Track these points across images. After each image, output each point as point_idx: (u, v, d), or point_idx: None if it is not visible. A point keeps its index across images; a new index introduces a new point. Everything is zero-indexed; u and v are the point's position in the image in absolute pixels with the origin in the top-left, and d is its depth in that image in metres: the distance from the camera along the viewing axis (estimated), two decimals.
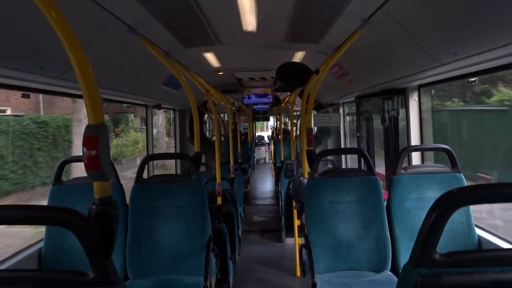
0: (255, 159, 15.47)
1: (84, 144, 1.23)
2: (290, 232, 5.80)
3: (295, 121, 8.21)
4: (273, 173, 10.15)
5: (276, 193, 8.98)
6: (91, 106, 1.27)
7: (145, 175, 3.40)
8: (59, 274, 1.16)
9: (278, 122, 11.58)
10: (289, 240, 6.23)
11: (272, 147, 12.82)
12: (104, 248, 1.15)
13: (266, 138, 20.35)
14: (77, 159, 3.34)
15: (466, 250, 1.17)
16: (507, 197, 1.09)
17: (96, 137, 1.23)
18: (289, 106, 7.35)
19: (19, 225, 1.12)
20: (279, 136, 10.06)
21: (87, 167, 1.24)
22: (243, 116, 14.26)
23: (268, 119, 19.30)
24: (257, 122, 22.14)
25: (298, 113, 10.15)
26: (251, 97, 6.99)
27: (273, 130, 16.43)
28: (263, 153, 17.81)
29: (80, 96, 3.52)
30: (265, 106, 12.74)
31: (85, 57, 1.27)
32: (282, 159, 8.48)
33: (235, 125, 11.15)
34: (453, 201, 1.10)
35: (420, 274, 1.11)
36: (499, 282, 1.09)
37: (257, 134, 21.61)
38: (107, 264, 1.15)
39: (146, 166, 3.64)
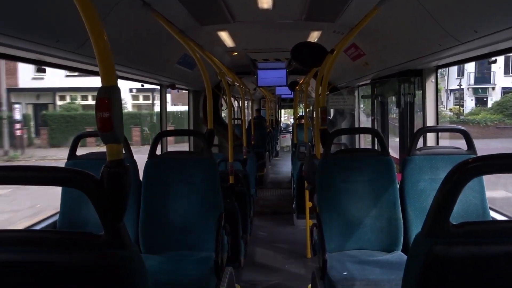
0: (277, 145, 15.44)
1: (96, 106, 1.23)
2: (301, 214, 5.82)
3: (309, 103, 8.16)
4: None
5: (291, 176, 8.99)
6: (103, 68, 1.27)
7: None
8: (72, 235, 1.18)
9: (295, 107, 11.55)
10: (300, 222, 6.25)
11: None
12: (116, 210, 1.16)
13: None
14: (92, 133, 3.37)
15: (479, 221, 1.16)
16: None
17: (108, 99, 1.23)
18: (303, 88, 7.30)
19: (33, 185, 1.14)
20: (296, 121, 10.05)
21: (99, 129, 1.24)
22: (269, 103, 14.36)
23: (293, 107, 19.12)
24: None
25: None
26: (265, 79, 6.93)
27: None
28: (289, 140, 17.74)
29: (95, 73, 3.54)
30: (289, 93, 12.68)
31: (97, 17, 1.26)
32: (296, 142, 8.46)
33: (259, 111, 11.16)
34: (468, 170, 1.08)
35: (432, 243, 1.09)
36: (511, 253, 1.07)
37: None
38: (120, 227, 1.16)
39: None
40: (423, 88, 4.03)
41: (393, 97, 4.77)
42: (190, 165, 3.27)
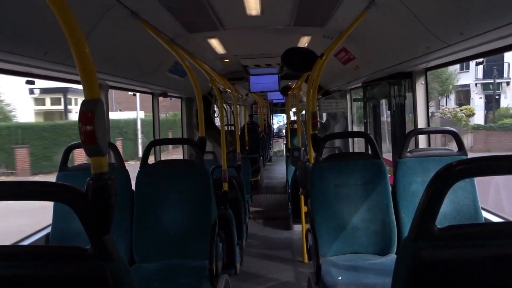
0: (270, 150, 15.45)
1: (79, 120, 1.23)
2: (297, 219, 5.81)
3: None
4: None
5: (286, 181, 9.00)
6: (86, 82, 1.27)
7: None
8: (58, 249, 1.18)
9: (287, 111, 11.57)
10: (296, 227, 6.25)
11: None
12: (103, 223, 1.16)
13: (284, 131, 20.16)
14: None
15: (466, 224, 1.16)
16: (507, 170, 1.08)
17: (91, 112, 1.23)
18: (295, 93, 7.32)
19: (19, 200, 1.14)
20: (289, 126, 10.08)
21: (83, 142, 1.24)
22: (261, 109, 14.35)
23: (285, 112, 18.88)
24: None
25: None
26: (257, 84, 6.96)
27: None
28: (281, 145, 17.74)
29: None
30: (280, 98, 12.68)
31: (79, 30, 1.26)
32: (289, 146, 8.48)
33: (251, 117, 11.15)
34: (453, 173, 1.09)
35: (419, 247, 1.10)
36: (500, 256, 1.08)
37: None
38: (106, 239, 1.15)
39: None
40: (413, 90, 4.05)
41: (385, 99, 4.79)
42: (183, 173, 3.26)
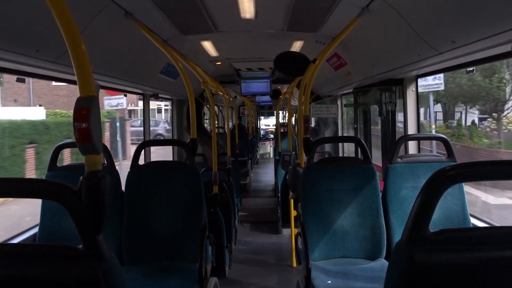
0: (257, 153, 15.40)
1: (74, 117, 1.22)
2: (286, 223, 5.82)
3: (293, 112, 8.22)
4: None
5: (275, 185, 9.00)
6: (81, 78, 1.25)
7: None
8: (50, 248, 1.16)
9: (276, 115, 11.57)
10: (285, 231, 6.25)
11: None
12: (95, 223, 1.14)
13: (272, 134, 20.14)
14: (74, 144, 3.32)
15: (458, 228, 1.17)
16: (500, 175, 1.09)
17: (87, 109, 1.22)
18: (287, 97, 7.35)
19: (11, 197, 1.12)
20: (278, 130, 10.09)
21: (77, 140, 1.23)
22: (250, 111, 14.30)
23: (273, 114, 18.79)
24: None
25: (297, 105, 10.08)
26: (249, 88, 6.97)
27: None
28: (268, 148, 17.71)
29: (75, 82, 3.49)
30: (268, 101, 12.58)
31: (75, 25, 1.25)
32: (280, 150, 8.49)
33: (240, 119, 11.09)
34: (446, 178, 1.10)
35: (412, 251, 1.10)
36: (491, 260, 1.09)
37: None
38: (98, 239, 1.14)
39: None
40: (403, 97, 4.09)
41: (376, 105, 4.84)
42: (173, 175, 3.24)
